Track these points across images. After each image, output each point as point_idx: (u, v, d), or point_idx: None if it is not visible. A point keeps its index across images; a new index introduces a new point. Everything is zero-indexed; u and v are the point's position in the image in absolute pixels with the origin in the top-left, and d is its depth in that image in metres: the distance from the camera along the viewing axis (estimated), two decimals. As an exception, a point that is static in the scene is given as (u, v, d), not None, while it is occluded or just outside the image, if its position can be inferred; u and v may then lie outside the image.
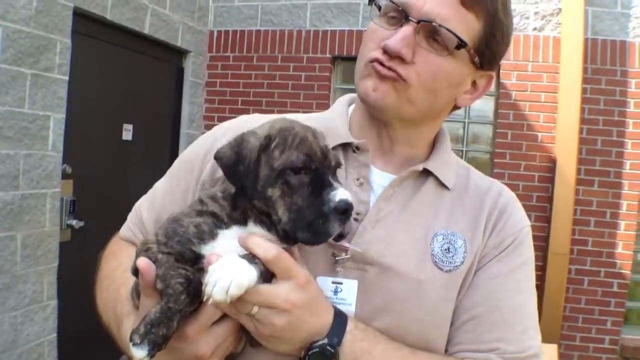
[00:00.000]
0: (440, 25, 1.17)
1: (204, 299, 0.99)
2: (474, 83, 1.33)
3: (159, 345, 0.99)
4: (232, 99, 5.94)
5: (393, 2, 1.21)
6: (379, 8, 1.27)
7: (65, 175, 4.13)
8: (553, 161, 5.18)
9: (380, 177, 1.33)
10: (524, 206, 1.40)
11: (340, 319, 1.14)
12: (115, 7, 4.44)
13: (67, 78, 4.00)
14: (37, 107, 3.77)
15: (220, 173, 1.22)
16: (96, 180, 4.50)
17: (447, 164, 1.38)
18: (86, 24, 4.24)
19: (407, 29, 1.19)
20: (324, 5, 5.75)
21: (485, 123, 5.59)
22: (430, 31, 1.19)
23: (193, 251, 1.08)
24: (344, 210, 1.04)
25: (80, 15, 4.12)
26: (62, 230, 4.15)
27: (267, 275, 1.06)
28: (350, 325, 1.14)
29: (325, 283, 1.22)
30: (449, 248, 1.26)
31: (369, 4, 1.29)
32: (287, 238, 1.09)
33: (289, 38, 5.84)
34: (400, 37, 1.19)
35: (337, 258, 1.22)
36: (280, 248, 1.08)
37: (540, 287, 5.10)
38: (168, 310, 1.00)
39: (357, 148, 1.32)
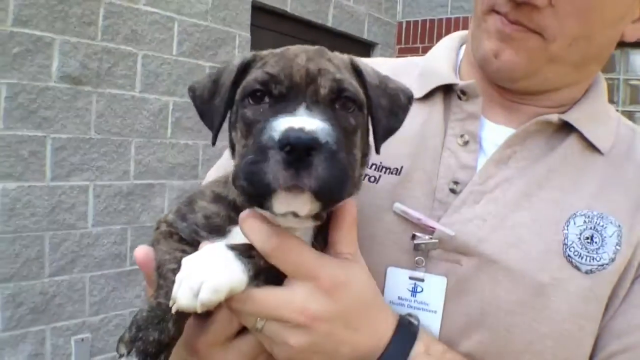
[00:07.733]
0: None
1: (171, 303, 0.72)
2: None
3: (151, 355, 0.74)
4: (422, 91, 5.70)
5: None
6: None
7: (244, 167, 4.22)
8: None
9: (495, 133, 0.96)
10: None
11: (403, 336, 0.80)
12: (295, 0, 4.47)
13: (247, 71, 4.07)
14: (216, 99, 3.88)
15: None
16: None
17: (602, 116, 0.97)
18: (265, 18, 4.29)
19: None
20: (521, -15, 5.28)
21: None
22: None
23: (199, 242, 0.85)
24: (291, 147, 0.67)
25: (258, 9, 4.18)
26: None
27: (273, 274, 0.77)
28: (417, 348, 0.79)
29: (399, 278, 0.88)
30: (592, 236, 0.85)
31: None
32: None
33: (482, 24, 5.46)
34: None
35: (417, 242, 0.86)
36: (289, 235, 0.77)
37: None
38: (158, 306, 0.76)
39: (463, 93, 0.96)
